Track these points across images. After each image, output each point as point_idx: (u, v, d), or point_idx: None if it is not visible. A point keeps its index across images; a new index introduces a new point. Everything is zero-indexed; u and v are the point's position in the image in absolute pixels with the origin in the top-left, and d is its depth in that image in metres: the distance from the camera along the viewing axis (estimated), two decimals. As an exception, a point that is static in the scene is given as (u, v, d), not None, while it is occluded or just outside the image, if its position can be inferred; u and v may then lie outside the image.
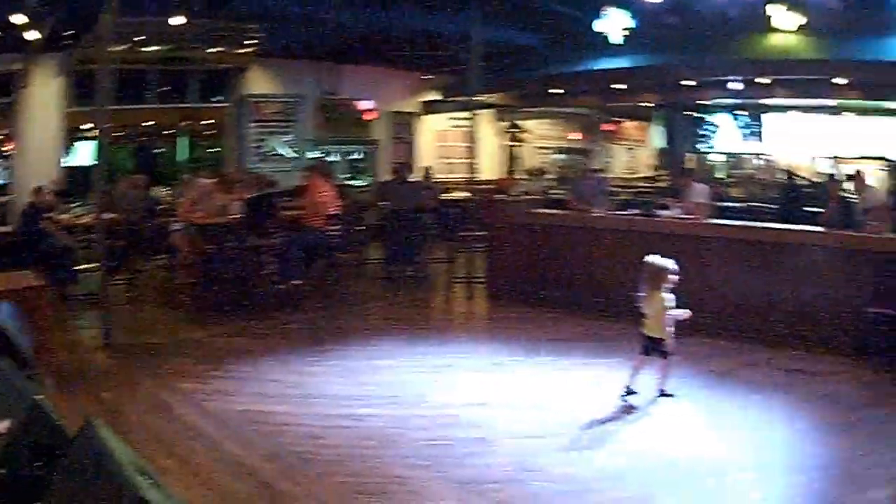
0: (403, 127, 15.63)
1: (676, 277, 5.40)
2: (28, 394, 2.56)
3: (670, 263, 5.43)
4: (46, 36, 11.18)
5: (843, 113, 14.19)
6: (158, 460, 4.04)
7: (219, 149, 14.60)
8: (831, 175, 9.32)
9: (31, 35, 10.92)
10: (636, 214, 8.62)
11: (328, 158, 14.33)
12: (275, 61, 13.97)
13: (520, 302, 8.55)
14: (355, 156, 15.37)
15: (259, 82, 14.22)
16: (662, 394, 5.41)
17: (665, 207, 8.58)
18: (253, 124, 14.22)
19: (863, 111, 14.05)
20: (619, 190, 16.78)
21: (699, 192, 8.42)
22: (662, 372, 5.46)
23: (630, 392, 5.36)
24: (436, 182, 13.60)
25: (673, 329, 5.41)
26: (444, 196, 12.90)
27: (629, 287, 7.69)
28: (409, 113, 15.68)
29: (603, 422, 4.93)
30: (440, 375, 5.84)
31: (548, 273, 8.64)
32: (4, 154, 12.46)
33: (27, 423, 2.37)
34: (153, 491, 1.74)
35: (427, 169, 13.98)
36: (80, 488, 1.98)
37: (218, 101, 14.33)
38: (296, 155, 14.33)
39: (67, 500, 2.02)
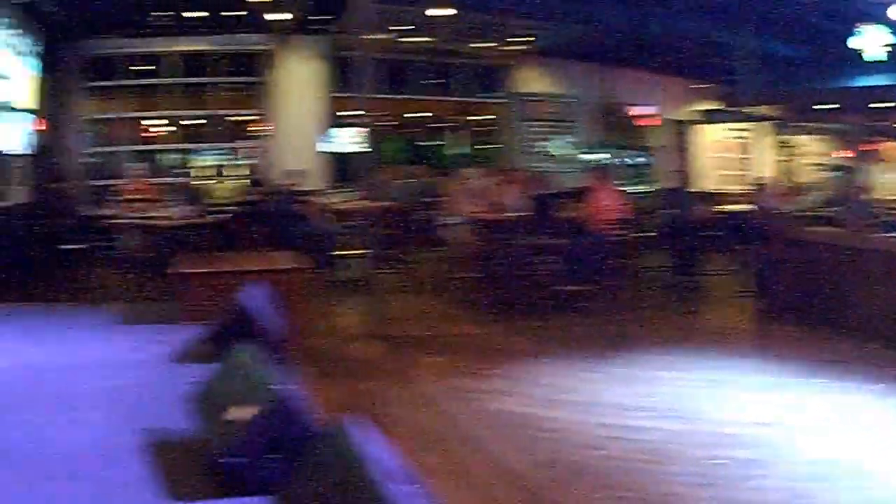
0: (677, 135, 15.57)
1: None
2: (272, 382, 2.51)
3: None
4: (296, 18, 11.48)
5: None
6: (421, 458, 3.84)
7: (489, 144, 14.66)
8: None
9: (277, 16, 11.25)
10: None
11: (606, 162, 13.92)
12: (547, 60, 13.94)
13: (794, 321, 7.59)
14: (630, 161, 15.32)
15: (531, 80, 14.25)
16: None
17: None
18: (525, 123, 14.23)
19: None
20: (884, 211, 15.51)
21: None
22: None
23: None
24: (715, 193, 13.21)
25: None
26: (720, 208, 12.23)
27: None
28: (684, 121, 15.60)
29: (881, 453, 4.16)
30: (716, 391, 5.38)
31: (821, 293, 7.52)
32: (253, 135, 12.80)
33: (270, 413, 2.36)
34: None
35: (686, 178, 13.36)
36: (320, 488, 1.94)
37: (488, 97, 14.39)
38: (569, 156, 14.16)
39: (305, 499, 1.98)
